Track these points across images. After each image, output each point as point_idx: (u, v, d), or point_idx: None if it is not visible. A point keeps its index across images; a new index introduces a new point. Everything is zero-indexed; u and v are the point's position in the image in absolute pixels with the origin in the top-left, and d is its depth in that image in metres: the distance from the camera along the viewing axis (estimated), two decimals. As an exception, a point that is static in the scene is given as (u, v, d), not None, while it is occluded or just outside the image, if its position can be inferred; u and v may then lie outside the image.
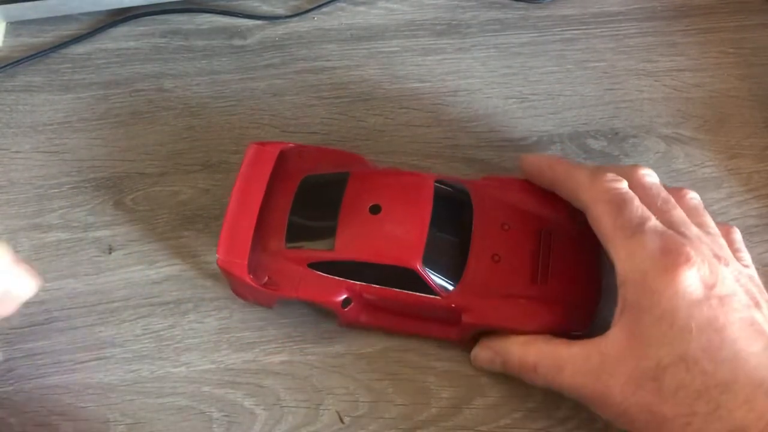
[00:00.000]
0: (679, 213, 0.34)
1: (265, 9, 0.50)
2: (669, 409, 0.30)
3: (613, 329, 0.32)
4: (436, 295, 0.35)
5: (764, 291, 0.33)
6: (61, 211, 0.41)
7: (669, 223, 0.33)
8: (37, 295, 0.32)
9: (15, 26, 0.48)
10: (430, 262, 0.34)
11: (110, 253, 0.40)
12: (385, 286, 0.35)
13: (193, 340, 0.38)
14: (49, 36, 0.48)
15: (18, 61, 0.46)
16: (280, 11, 0.50)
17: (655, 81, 0.47)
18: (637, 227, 0.32)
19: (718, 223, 0.35)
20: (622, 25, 0.49)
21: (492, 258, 0.36)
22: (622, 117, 0.46)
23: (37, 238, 0.41)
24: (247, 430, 0.35)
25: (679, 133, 0.45)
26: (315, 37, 0.48)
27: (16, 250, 0.38)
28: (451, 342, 0.37)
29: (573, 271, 0.36)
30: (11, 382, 0.37)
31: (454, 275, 0.35)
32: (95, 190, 0.42)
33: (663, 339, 0.30)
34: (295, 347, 0.38)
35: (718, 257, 0.32)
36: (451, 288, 0.35)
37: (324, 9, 0.50)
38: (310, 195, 0.38)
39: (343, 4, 0.50)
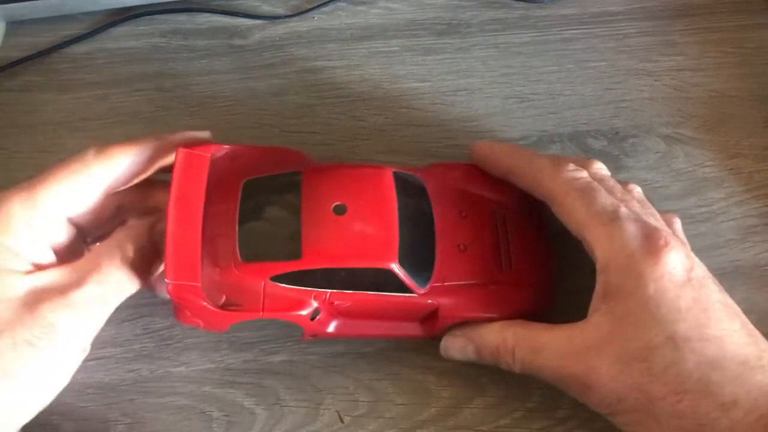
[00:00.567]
0: (636, 204, 0.35)
1: (265, 9, 0.50)
2: (659, 388, 0.30)
3: (597, 313, 0.32)
4: (411, 293, 0.34)
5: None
6: (61, 211, 0.41)
7: (632, 207, 0.34)
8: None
9: (15, 26, 0.48)
10: (402, 259, 0.33)
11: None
12: (358, 290, 0.33)
13: (193, 339, 0.38)
14: (48, 36, 0.48)
15: (18, 61, 0.46)
16: (280, 11, 0.50)
17: (656, 81, 0.47)
18: (613, 213, 0.32)
19: (660, 212, 0.36)
20: (623, 24, 0.49)
21: (458, 248, 0.35)
22: (623, 117, 0.45)
23: (37, 238, 0.40)
24: (247, 430, 0.35)
25: (679, 132, 0.45)
26: (315, 36, 0.48)
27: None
28: (423, 339, 0.36)
29: (530, 252, 0.36)
30: (11, 381, 0.37)
31: (426, 270, 0.34)
32: (95, 190, 0.42)
33: (652, 320, 0.30)
34: (295, 347, 0.38)
35: (677, 239, 0.33)
36: (425, 284, 0.34)
37: (324, 9, 0.49)
38: (259, 200, 0.34)
39: (343, 4, 0.50)
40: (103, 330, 0.38)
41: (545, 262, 0.37)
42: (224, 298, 0.32)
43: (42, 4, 0.46)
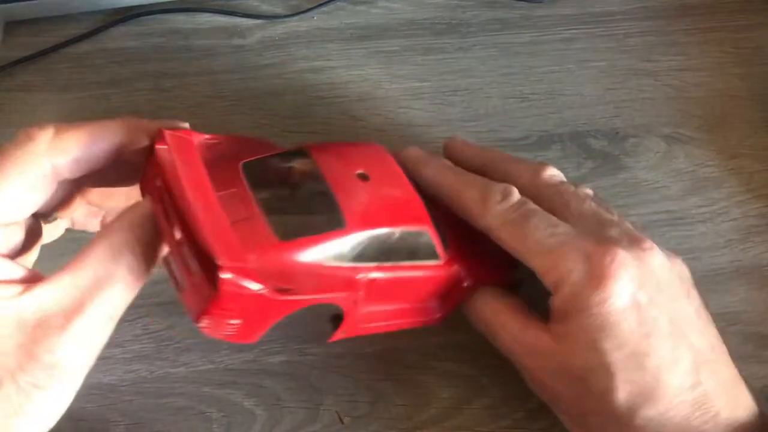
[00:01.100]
0: (590, 204, 0.33)
1: (265, 8, 0.50)
2: (593, 406, 0.30)
3: (548, 324, 0.32)
4: (438, 259, 0.33)
5: (690, 278, 0.33)
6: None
7: (582, 215, 0.32)
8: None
9: (14, 26, 0.48)
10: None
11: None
12: (395, 261, 0.31)
13: (192, 340, 0.38)
14: (48, 35, 0.48)
15: (17, 61, 0.46)
16: (280, 10, 0.50)
17: (656, 80, 0.47)
18: (550, 238, 0.31)
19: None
20: (623, 24, 0.49)
21: (450, 217, 0.34)
22: (623, 116, 0.45)
23: (37, 238, 0.40)
24: (247, 431, 0.35)
25: (679, 132, 0.45)
26: (315, 36, 0.48)
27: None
28: (438, 323, 0.35)
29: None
30: (11, 382, 0.37)
31: (442, 236, 0.33)
32: (95, 190, 0.42)
33: (591, 344, 0.30)
34: (295, 347, 0.38)
35: (637, 240, 0.31)
36: (446, 246, 0.33)
37: (324, 8, 0.49)
38: (270, 179, 0.31)
39: (343, 4, 0.50)
40: (102, 330, 0.38)
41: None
42: (265, 287, 0.28)
43: (42, 4, 0.46)
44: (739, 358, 0.38)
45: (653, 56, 0.48)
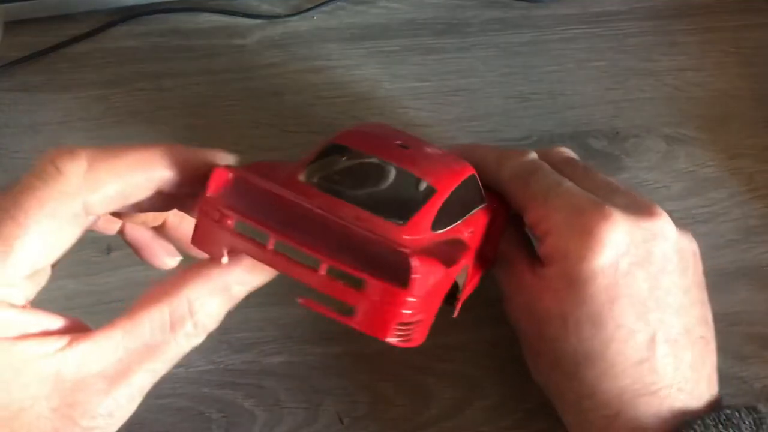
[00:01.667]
0: (602, 176, 0.34)
1: (265, 8, 0.50)
2: (545, 350, 0.32)
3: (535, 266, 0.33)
4: (484, 201, 0.32)
5: (695, 255, 0.33)
6: (60, 211, 0.41)
7: (593, 181, 0.33)
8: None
9: (14, 25, 0.48)
10: None
11: (109, 253, 0.40)
12: (468, 213, 0.31)
13: (192, 340, 0.38)
14: (48, 35, 0.48)
15: (17, 61, 0.46)
16: (280, 10, 0.49)
17: (656, 80, 0.47)
18: (550, 191, 0.32)
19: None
20: (623, 24, 0.49)
21: None
22: (623, 116, 0.45)
23: (37, 238, 0.40)
24: (247, 431, 0.35)
25: (680, 132, 0.45)
26: (315, 36, 0.48)
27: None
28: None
29: None
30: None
31: None
32: (94, 190, 0.42)
33: (558, 293, 0.31)
34: (295, 347, 0.37)
35: (645, 207, 0.31)
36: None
37: (324, 8, 0.49)
38: (338, 181, 0.29)
39: (343, 3, 0.50)
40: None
41: None
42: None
43: (42, 3, 0.46)
44: (740, 358, 0.38)
45: (654, 56, 0.48)
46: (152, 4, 0.48)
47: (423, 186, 0.29)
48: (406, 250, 0.24)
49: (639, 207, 0.31)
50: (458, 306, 0.31)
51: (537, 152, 0.35)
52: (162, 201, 0.27)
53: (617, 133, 0.45)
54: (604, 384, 0.30)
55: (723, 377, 0.33)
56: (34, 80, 0.46)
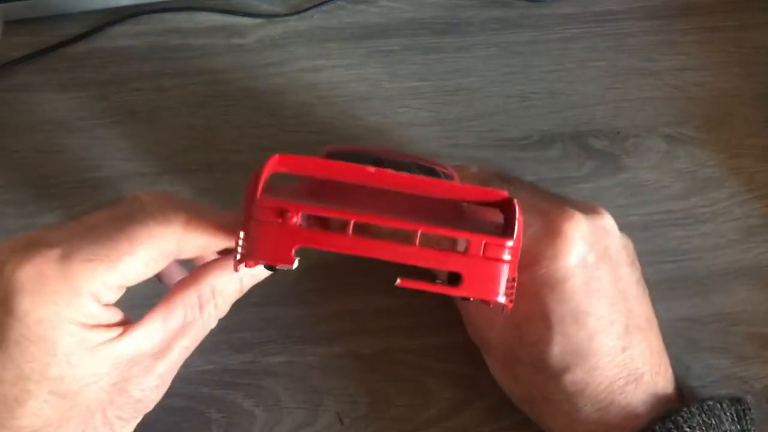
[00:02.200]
0: (533, 185, 0.36)
1: (265, 7, 0.49)
2: (523, 356, 0.32)
3: None
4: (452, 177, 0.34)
5: (634, 252, 0.34)
6: (59, 211, 0.41)
7: (536, 192, 0.34)
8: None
9: (13, 25, 0.48)
10: None
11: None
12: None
13: (192, 340, 0.38)
14: (47, 35, 0.48)
15: (16, 61, 0.46)
16: (280, 10, 0.49)
17: (657, 80, 0.47)
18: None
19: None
20: (624, 23, 0.49)
21: None
22: (624, 116, 0.45)
23: (36, 238, 0.40)
24: (246, 431, 0.35)
25: (680, 132, 0.45)
26: (314, 35, 0.48)
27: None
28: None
29: None
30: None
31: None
32: (94, 190, 0.42)
33: (536, 296, 0.31)
34: (294, 347, 0.37)
35: (592, 208, 0.33)
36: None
37: (324, 7, 0.49)
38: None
39: (343, 3, 0.50)
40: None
41: None
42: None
43: (41, 3, 0.46)
44: (740, 358, 0.38)
45: (654, 56, 0.48)
46: (151, 3, 0.48)
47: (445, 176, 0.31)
48: (510, 196, 0.25)
49: (586, 207, 0.33)
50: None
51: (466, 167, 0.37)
52: None
53: (618, 132, 0.45)
54: (596, 377, 0.31)
55: (723, 377, 0.33)
56: (33, 80, 0.46)
